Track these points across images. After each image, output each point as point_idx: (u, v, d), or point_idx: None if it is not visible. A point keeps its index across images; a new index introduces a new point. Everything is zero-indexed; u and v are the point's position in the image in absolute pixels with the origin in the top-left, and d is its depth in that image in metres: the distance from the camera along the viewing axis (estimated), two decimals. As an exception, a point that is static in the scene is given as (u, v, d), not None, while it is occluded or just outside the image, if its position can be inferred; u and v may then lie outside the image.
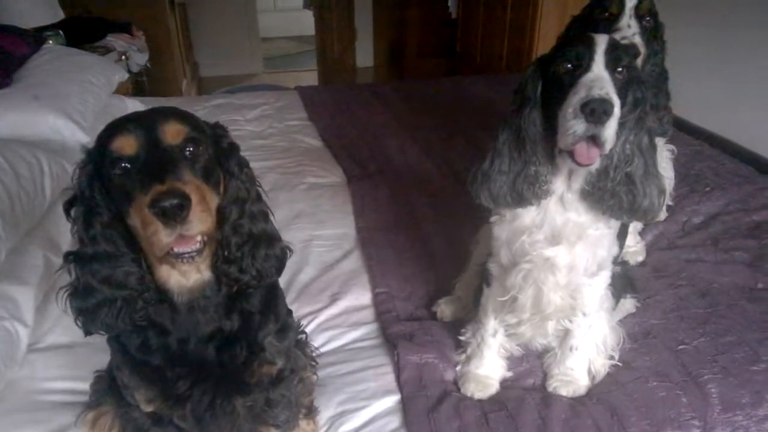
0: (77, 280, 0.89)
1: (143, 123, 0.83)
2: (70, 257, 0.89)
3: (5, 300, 1.42)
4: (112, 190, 0.84)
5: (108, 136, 0.83)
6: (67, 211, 0.89)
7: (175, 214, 0.75)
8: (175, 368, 0.94)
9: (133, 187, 0.80)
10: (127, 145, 0.81)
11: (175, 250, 0.80)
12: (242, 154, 0.98)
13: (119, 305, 0.88)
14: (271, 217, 1.00)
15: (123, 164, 0.81)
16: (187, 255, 0.81)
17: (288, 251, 1.01)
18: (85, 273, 0.88)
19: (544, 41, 3.65)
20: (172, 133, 0.83)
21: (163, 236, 0.77)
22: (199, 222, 0.79)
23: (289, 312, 1.15)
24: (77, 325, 0.92)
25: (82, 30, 3.70)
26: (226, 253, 0.91)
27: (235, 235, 0.93)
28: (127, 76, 3.28)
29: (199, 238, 0.81)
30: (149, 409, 0.98)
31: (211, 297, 0.93)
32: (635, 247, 1.79)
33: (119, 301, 0.88)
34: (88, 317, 0.90)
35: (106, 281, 0.88)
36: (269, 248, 0.96)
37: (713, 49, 2.85)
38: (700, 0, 2.91)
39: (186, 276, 0.91)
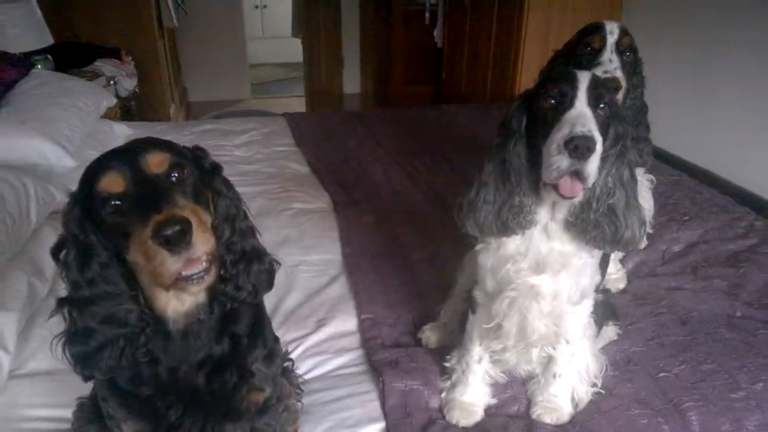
0: (74, 325, 0.88)
1: (125, 159, 0.83)
2: (65, 303, 0.88)
3: (-13, 325, 1.41)
4: (107, 230, 0.84)
5: (92, 177, 0.83)
6: (55, 257, 0.88)
7: (179, 240, 0.76)
8: (165, 397, 0.94)
9: (130, 222, 0.80)
10: (114, 183, 0.81)
11: (184, 273, 0.80)
12: (230, 179, 1.00)
13: (122, 344, 0.88)
14: (257, 233, 1.01)
15: (114, 202, 0.81)
16: (196, 276, 0.81)
17: (276, 264, 1.02)
18: (84, 316, 0.87)
19: (527, 72, 3.73)
20: (156, 162, 0.84)
21: (171, 264, 0.77)
22: (203, 243, 0.79)
23: (276, 339, 1.15)
24: (76, 371, 0.91)
25: (71, 55, 3.71)
26: (222, 271, 0.92)
27: (229, 254, 0.94)
28: (115, 101, 3.29)
29: (204, 257, 0.81)
30: (137, 440, 0.97)
31: (205, 320, 0.94)
32: (616, 275, 1.82)
33: (121, 341, 0.88)
34: (88, 361, 0.88)
35: (107, 321, 0.87)
36: (260, 263, 0.98)
37: (690, 84, 2.94)
38: (677, 38, 3.01)
39: (182, 301, 0.91)
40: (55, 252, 0.88)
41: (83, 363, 0.89)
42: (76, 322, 0.88)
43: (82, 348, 0.88)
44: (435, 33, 5.09)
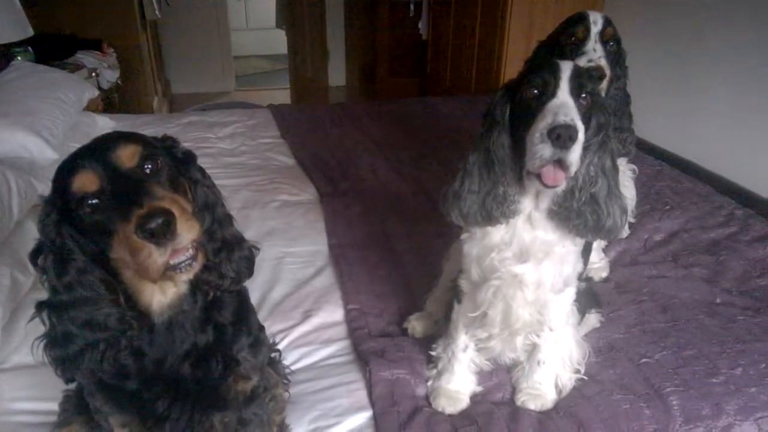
0: (53, 329, 0.87)
1: (95, 155, 0.82)
2: (44, 306, 0.87)
3: (-30, 319, 1.40)
4: (87, 230, 0.83)
5: (65, 178, 0.82)
6: (33, 262, 0.87)
7: (164, 231, 0.75)
8: (151, 389, 0.94)
9: (111, 219, 0.79)
10: (88, 181, 0.80)
11: (171, 262, 0.79)
12: (214, 171, 0.99)
13: (102, 348, 0.87)
14: (234, 220, 1.01)
15: (90, 201, 0.80)
16: (184, 264, 0.80)
17: (255, 250, 1.02)
18: (63, 321, 0.86)
19: (512, 64, 3.75)
20: (127, 155, 0.82)
21: (158, 256, 0.77)
22: (188, 232, 0.79)
23: (261, 327, 1.15)
24: (57, 374, 0.90)
25: (52, 47, 3.65)
26: (205, 260, 0.92)
27: (210, 242, 0.93)
28: (97, 93, 3.25)
29: (190, 245, 0.81)
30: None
31: (188, 311, 0.94)
32: (599, 264, 1.85)
33: (102, 344, 0.87)
34: (69, 365, 0.88)
35: (87, 325, 0.86)
36: (240, 250, 0.98)
37: (672, 75, 2.98)
38: (658, 29, 3.04)
39: (165, 293, 0.91)
40: (33, 257, 0.86)
41: (64, 366, 0.89)
42: (56, 326, 0.87)
43: (63, 352, 0.87)
44: (420, 25, 5.08)
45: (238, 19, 8.24)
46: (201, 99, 5.89)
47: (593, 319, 1.57)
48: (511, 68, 3.73)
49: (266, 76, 7.61)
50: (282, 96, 6.47)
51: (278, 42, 7.29)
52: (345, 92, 6.62)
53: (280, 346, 1.52)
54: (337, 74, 6.69)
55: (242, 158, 2.82)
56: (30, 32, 3.25)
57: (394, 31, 5.58)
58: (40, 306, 0.88)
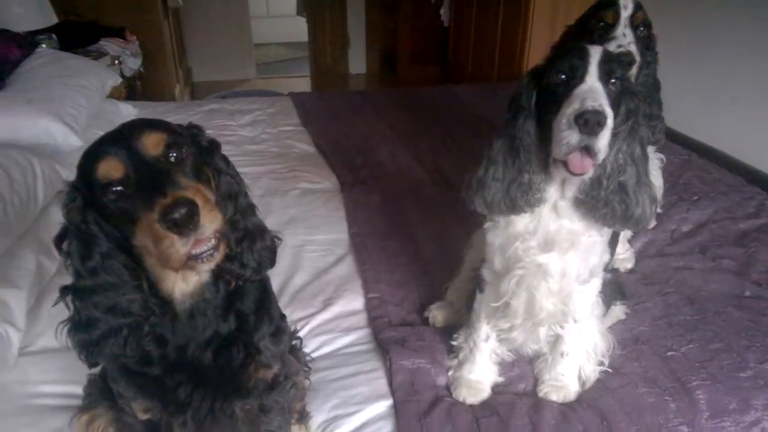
0: (77, 314, 0.88)
1: (121, 142, 0.81)
2: (68, 291, 0.88)
3: (-3, 303, 1.42)
4: (111, 216, 0.83)
5: (90, 165, 0.82)
6: (58, 247, 0.87)
7: (187, 222, 0.75)
8: (174, 376, 0.94)
9: (135, 207, 0.79)
10: (113, 169, 0.80)
11: (194, 252, 0.79)
12: (236, 159, 0.98)
13: (125, 333, 0.88)
14: (257, 210, 1.00)
15: (115, 188, 0.80)
16: (206, 254, 0.80)
17: (277, 240, 1.01)
18: (87, 305, 0.87)
19: (535, 50, 3.69)
20: (152, 143, 0.82)
21: (180, 246, 0.76)
22: (211, 223, 0.78)
23: (283, 316, 1.15)
24: (80, 359, 0.91)
25: (76, 34, 3.69)
26: (227, 250, 0.91)
27: (233, 232, 0.93)
28: (120, 80, 3.28)
29: (212, 235, 0.80)
30: (146, 417, 0.98)
31: (210, 299, 0.94)
32: (624, 255, 1.81)
33: (125, 330, 0.88)
34: (92, 349, 0.89)
35: (111, 311, 0.86)
36: (262, 240, 0.97)
37: (700, 62, 2.90)
38: (689, 15, 2.96)
39: (187, 282, 0.91)
40: (58, 242, 0.87)
41: (87, 351, 0.89)
42: (80, 311, 0.87)
43: (86, 336, 0.88)
44: (441, 12, 5.03)
45: (259, 7, 8.23)
46: (222, 87, 5.91)
47: (618, 310, 1.54)
48: (535, 55, 3.68)
49: (286, 63, 7.61)
50: (302, 84, 6.47)
51: (299, 30, 7.27)
52: (365, 80, 6.60)
53: (301, 334, 1.52)
54: (357, 62, 6.67)
55: (263, 146, 2.82)
56: (54, 19, 3.30)
57: (415, 18, 5.53)
58: (64, 291, 0.88)
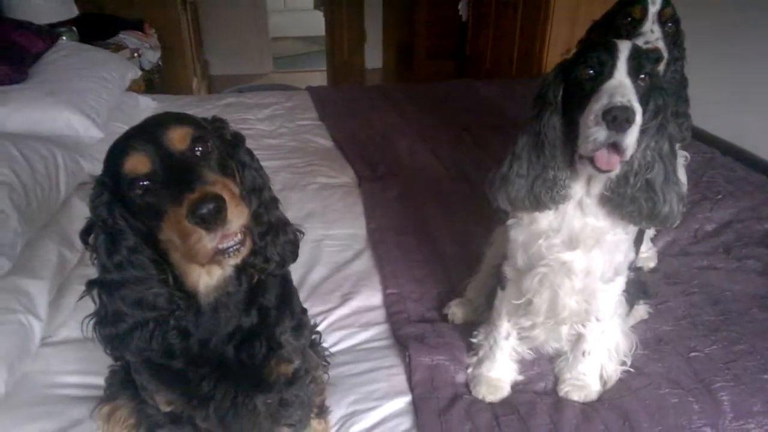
0: (104, 308, 0.88)
1: (147, 137, 0.81)
2: (94, 285, 0.88)
3: (19, 293, 1.43)
4: (138, 211, 0.83)
5: (117, 159, 0.81)
6: (84, 240, 0.87)
7: (215, 218, 0.74)
8: (197, 369, 0.94)
9: (162, 202, 0.78)
10: (140, 163, 0.79)
11: (220, 247, 0.79)
12: (255, 153, 0.98)
13: (151, 327, 0.88)
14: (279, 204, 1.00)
15: (142, 183, 0.80)
16: (233, 248, 0.80)
17: (300, 234, 1.01)
18: (114, 299, 0.87)
19: (555, 46, 3.65)
20: (179, 137, 0.82)
21: (207, 241, 0.76)
22: (238, 218, 0.78)
23: (304, 311, 1.15)
24: (106, 353, 0.91)
25: (95, 27, 3.71)
26: (252, 245, 0.91)
27: (257, 226, 0.92)
28: (139, 73, 3.29)
29: (239, 230, 0.80)
30: (168, 409, 0.98)
31: (233, 293, 0.94)
32: (647, 253, 1.79)
33: (151, 324, 0.88)
34: (118, 343, 0.89)
35: (137, 305, 0.87)
36: (285, 234, 0.97)
37: (726, 59, 2.85)
38: (714, 11, 2.91)
39: (211, 275, 0.91)
40: (84, 236, 0.87)
41: (113, 344, 0.89)
42: (106, 305, 0.87)
43: (112, 330, 0.88)
44: (459, 6, 4.99)
45: (276, 1, 8.23)
46: (239, 80, 5.91)
47: (641, 310, 1.53)
48: (555, 51, 3.64)
49: (303, 57, 7.60)
50: (319, 78, 6.45)
51: (316, 24, 7.25)
52: (381, 74, 6.57)
53: (319, 329, 1.52)
54: (374, 56, 6.64)
55: (281, 140, 2.82)
56: (74, 12, 3.32)
57: (432, 13, 5.49)
58: (91, 284, 0.88)
